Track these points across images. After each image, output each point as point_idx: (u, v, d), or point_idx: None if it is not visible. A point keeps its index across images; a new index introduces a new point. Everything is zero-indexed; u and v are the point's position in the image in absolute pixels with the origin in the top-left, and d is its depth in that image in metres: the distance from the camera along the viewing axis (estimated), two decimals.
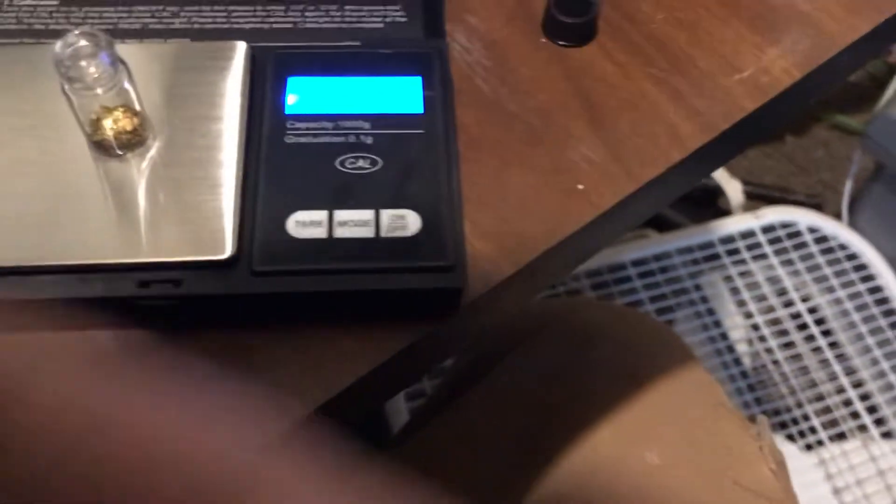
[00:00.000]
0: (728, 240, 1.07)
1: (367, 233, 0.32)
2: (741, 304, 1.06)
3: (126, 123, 0.33)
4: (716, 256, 1.06)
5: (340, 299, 0.31)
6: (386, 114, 0.34)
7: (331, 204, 0.32)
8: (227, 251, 0.31)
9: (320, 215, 0.32)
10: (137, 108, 0.33)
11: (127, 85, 0.31)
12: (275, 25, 0.39)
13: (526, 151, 0.36)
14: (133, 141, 0.33)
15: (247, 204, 0.32)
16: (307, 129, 0.34)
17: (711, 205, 1.28)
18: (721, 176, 1.27)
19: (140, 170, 0.33)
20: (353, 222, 0.32)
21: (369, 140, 0.34)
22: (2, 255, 0.31)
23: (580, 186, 0.35)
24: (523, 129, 0.37)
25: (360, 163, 0.33)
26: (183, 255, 0.31)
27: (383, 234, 0.32)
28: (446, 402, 0.55)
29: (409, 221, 0.32)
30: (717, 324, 1.06)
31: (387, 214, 0.32)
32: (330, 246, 0.31)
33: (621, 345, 0.55)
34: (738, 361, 1.04)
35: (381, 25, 0.39)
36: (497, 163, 0.36)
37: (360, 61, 0.36)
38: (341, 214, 0.32)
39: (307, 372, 0.31)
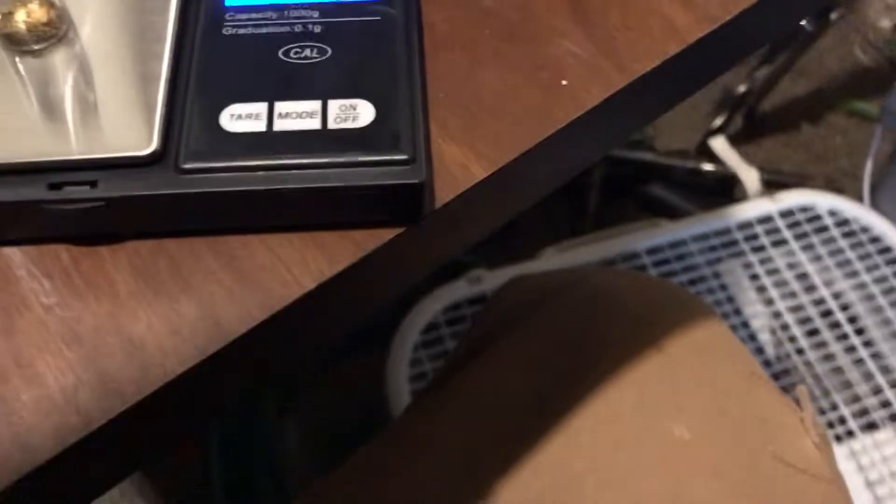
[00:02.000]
0: (746, 225, 1.03)
1: (313, 125, 0.27)
2: (762, 291, 1.01)
3: (41, 14, 0.29)
4: (734, 243, 1.02)
5: (280, 199, 0.27)
6: (337, 1, 0.30)
7: (271, 96, 0.28)
8: (151, 147, 0.27)
9: (259, 107, 0.28)
10: None
11: None
12: None
13: (503, 48, 0.32)
14: (49, 34, 0.29)
15: (176, 99, 0.28)
16: (248, 19, 0.30)
17: (727, 194, 1.24)
18: (737, 163, 1.22)
19: (57, 64, 0.29)
20: (297, 114, 0.28)
21: (318, 29, 0.30)
22: None
23: (564, 83, 0.31)
24: (499, 26, 0.33)
25: (307, 52, 0.29)
26: (100, 152, 0.27)
27: (331, 125, 0.27)
28: (450, 378, 0.50)
29: (360, 112, 0.28)
30: (738, 312, 1.01)
31: (335, 105, 0.28)
32: (269, 139, 0.27)
33: (642, 311, 0.50)
34: (760, 350, 0.99)
35: None
36: (469, 61, 0.32)
37: None
38: (283, 106, 0.28)
39: (245, 286, 0.27)
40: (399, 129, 0.27)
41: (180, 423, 0.27)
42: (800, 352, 0.97)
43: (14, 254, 0.28)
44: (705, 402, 0.46)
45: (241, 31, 0.30)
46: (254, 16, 0.30)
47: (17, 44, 0.29)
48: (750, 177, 1.22)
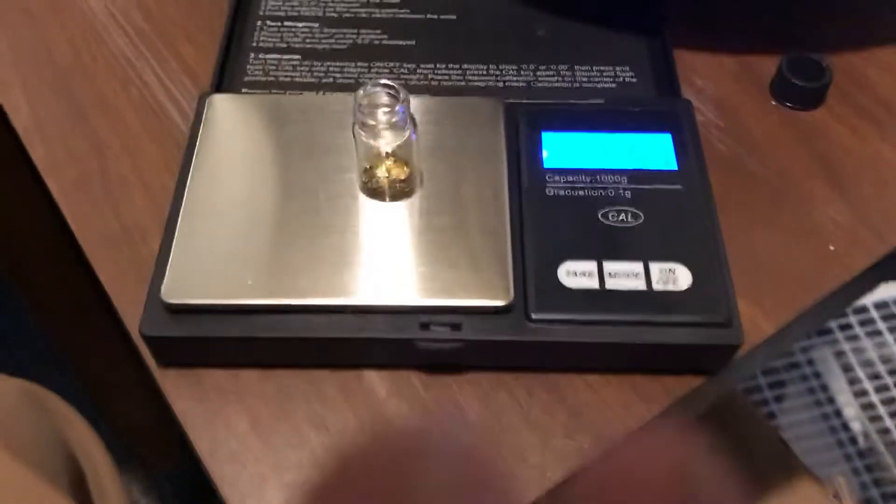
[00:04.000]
0: (841, 315, 1.06)
1: (639, 285, 0.32)
2: (855, 381, 1.04)
3: (399, 173, 0.34)
4: (828, 331, 1.05)
5: (611, 350, 0.31)
6: (641, 169, 0.35)
7: (598, 255, 0.33)
8: (507, 297, 0.31)
9: (590, 266, 0.32)
10: (409, 158, 0.34)
11: (413, 137, 0.32)
12: (508, 84, 0.40)
13: (771, 212, 0.36)
14: (405, 190, 0.34)
15: (516, 253, 0.33)
16: (565, 182, 0.35)
17: None
18: None
19: (412, 216, 0.33)
20: (623, 274, 0.32)
21: (628, 194, 0.34)
22: (290, 293, 0.31)
23: (831, 248, 0.35)
24: (766, 190, 0.37)
25: (622, 216, 0.34)
26: (462, 299, 0.31)
27: (655, 287, 0.32)
28: None
29: (679, 275, 0.32)
30: (831, 400, 1.03)
31: (657, 267, 0.32)
32: (603, 297, 0.32)
33: None
34: (853, 440, 1.01)
35: (612, 85, 0.40)
36: (745, 222, 0.36)
37: (607, 118, 0.37)
38: (611, 266, 0.32)
39: (575, 420, 0.31)
40: (716, 294, 0.32)
41: None
42: (892, 444, 0.99)
43: (373, 376, 0.32)
44: None
45: (561, 192, 0.34)
46: (569, 178, 0.35)
47: (376, 196, 0.34)
48: None
